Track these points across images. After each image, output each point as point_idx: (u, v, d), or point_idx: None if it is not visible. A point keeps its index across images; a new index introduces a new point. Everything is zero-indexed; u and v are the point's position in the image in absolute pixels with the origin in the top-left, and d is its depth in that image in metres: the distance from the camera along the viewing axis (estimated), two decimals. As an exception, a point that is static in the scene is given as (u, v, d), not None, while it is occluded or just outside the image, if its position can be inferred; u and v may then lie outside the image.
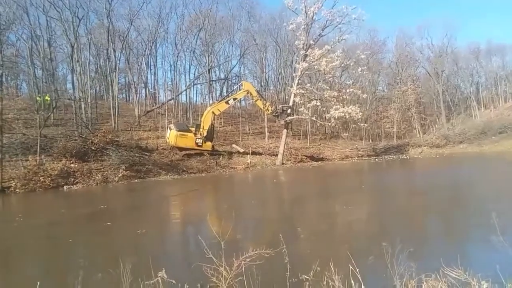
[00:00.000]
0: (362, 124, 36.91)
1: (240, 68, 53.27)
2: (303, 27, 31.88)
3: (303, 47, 32.29)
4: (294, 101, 33.38)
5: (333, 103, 31.90)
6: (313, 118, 34.86)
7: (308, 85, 34.67)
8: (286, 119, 32.73)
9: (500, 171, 24.37)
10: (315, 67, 32.09)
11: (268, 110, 32.44)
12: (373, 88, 57.39)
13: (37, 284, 4.41)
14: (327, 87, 33.27)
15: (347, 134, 42.22)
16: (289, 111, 32.89)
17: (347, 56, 51.70)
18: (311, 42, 32.22)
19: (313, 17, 31.92)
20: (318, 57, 31.07)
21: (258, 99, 32.12)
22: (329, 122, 33.21)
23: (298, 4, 31.79)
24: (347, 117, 31.98)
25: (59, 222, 12.24)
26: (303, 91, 32.95)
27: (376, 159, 37.04)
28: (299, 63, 32.70)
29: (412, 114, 53.90)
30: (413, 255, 5.72)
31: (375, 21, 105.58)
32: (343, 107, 31.67)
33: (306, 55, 32.10)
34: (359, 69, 34.50)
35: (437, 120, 58.15)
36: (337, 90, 34.15)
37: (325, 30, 32.94)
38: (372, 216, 12.00)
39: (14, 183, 19.25)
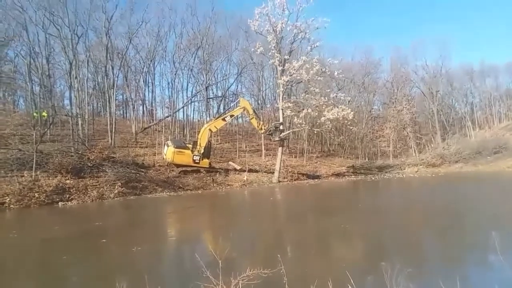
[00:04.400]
0: (352, 128, 36.66)
1: (237, 86, 53.80)
2: (274, 45, 32.56)
3: (279, 64, 32.93)
4: (284, 116, 33.67)
5: (324, 107, 32.18)
6: (307, 127, 34.86)
7: (294, 97, 34.87)
8: (280, 135, 32.82)
9: (496, 191, 24.43)
10: (297, 77, 32.53)
11: (262, 129, 32.66)
12: (368, 107, 57.98)
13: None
14: (312, 96, 33.29)
15: (342, 137, 42.15)
16: (281, 127, 33.07)
17: (343, 76, 52.52)
18: (286, 57, 32.89)
19: (281, 32, 32.70)
20: (297, 68, 31.70)
21: (253, 117, 32.33)
22: (325, 127, 33.33)
23: (263, 26, 32.68)
24: (340, 118, 31.96)
25: (54, 239, 12.07)
26: (290, 104, 33.35)
27: (373, 178, 37.06)
28: (280, 79, 33.13)
29: (407, 133, 54.27)
30: (412, 275, 5.72)
31: (370, 39, 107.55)
32: (334, 108, 31.91)
33: (283, 70, 32.75)
34: (335, 73, 34.29)
35: (433, 139, 58.58)
36: (324, 96, 34.18)
37: (295, 44, 33.96)
38: (370, 235, 11.93)
39: (8, 199, 19.03)
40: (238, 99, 34.82)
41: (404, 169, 44.52)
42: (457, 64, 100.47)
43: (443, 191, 25.30)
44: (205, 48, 42.23)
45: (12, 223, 16.54)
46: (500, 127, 60.78)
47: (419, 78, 62.32)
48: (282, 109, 33.31)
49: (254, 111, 33.37)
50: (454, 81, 63.87)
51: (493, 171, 38.71)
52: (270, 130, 32.88)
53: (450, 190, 26.13)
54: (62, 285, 7.88)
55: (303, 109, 32.73)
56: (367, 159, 50.09)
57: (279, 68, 33.22)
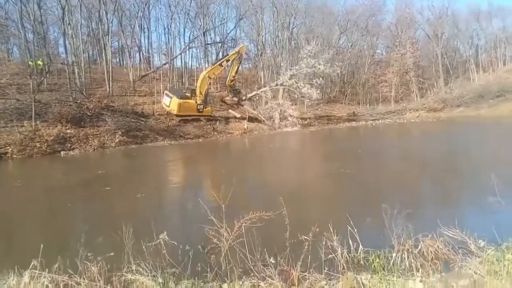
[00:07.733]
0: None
1: (236, 31, 51.85)
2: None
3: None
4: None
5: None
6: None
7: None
8: (232, 100, 32.87)
9: (497, 135, 24.49)
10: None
11: (230, 82, 32.18)
12: (371, 51, 56.42)
13: (40, 247, 4.46)
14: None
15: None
16: (240, 95, 33.01)
17: (346, 19, 50.44)
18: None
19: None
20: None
21: (238, 66, 32.00)
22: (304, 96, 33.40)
23: None
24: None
25: (58, 187, 12.30)
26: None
27: (373, 123, 37.03)
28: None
29: (410, 77, 53.27)
30: (411, 216, 5.83)
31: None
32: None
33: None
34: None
35: (435, 83, 57.60)
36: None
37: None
38: (370, 179, 12.11)
39: (10, 149, 19.16)
40: (241, 45, 34.02)
41: (405, 114, 44.27)
42: (464, 5, 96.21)
43: (444, 136, 25.37)
44: (202, -11, 40.21)
45: (16, 173, 16.79)
46: (504, 70, 59.28)
47: (424, 19, 59.96)
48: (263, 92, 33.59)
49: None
50: (459, 22, 61.45)
51: (495, 115, 38.43)
52: (233, 89, 32.60)
53: (450, 134, 26.18)
54: (70, 232, 8.11)
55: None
56: (368, 105, 49.71)
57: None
